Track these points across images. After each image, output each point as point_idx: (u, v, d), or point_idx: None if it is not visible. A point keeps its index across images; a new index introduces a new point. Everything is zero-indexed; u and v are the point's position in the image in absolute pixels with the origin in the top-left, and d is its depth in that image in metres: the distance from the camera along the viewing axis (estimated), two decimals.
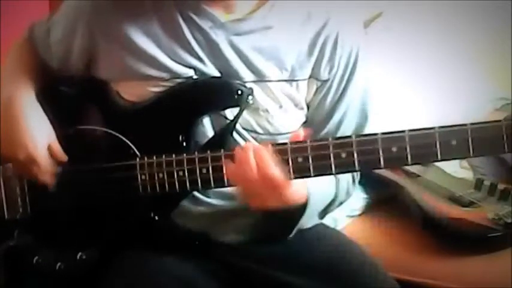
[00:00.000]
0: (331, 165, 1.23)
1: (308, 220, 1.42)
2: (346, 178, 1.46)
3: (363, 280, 1.41)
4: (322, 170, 1.24)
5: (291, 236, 1.43)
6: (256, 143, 1.37)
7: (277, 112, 1.41)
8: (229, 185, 1.31)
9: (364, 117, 1.47)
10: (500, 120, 1.14)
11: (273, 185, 1.24)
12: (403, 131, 1.20)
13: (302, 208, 1.34)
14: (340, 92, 1.43)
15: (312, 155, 1.24)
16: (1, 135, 1.43)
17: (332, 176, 1.41)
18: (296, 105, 1.43)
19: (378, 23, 2.26)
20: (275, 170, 1.23)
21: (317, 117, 1.45)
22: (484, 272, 1.68)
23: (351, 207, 1.90)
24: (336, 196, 1.45)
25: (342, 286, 1.40)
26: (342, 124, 1.45)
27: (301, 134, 1.29)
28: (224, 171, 1.29)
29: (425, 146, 1.18)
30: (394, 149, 1.20)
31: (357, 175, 1.50)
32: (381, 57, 2.12)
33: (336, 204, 1.48)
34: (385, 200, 1.97)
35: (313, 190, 1.33)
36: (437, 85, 2.17)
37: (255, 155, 1.24)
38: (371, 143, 1.21)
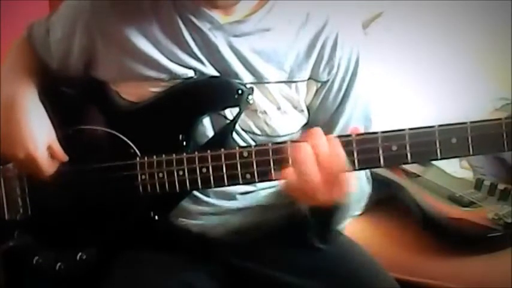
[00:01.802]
0: None
1: (343, 221, 1.42)
2: (363, 176, 1.46)
3: (363, 280, 1.41)
4: None
5: (332, 241, 1.43)
6: (253, 143, 1.38)
7: (275, 114, 1.41)
8: (231, 184, 1.31)
9: (368, 120, 1.47)
10: (500, 119, 1.14)
11: (340, 175, 1.20)
12: (403, 130, 1.20)
13: (342, 207, 1.32)
14: (342, 94, 1.43)
15: None
16: (2, 135, 1.43)
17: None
18: (295, 107, 1.43)
19: (377, 23, 2.26)
20: (345, 160, 1.20)
21: (320, 120, 1.45)
22: (484, 272, 1.68)
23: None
24: (361, 195, 1.45)
25: (342, 286, 1.39)
26: (348, 127, 1.43)
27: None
28: (301, 158, 1.21)
29: (426, 144, 1.18)
30: (394, 148, 1.20)
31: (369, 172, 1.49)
32: (381, 58, 2.13)
33: (361, 203, 1.47)
34: (385, 200, 1.97)
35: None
36: (437, 85, 2.17)
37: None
38: (371, 142, 1.21)
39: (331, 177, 1.19)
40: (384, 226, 1.89)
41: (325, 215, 1.34)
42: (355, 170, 1.23)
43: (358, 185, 1.40)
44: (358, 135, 1.23)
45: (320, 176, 1.19)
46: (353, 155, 1.22)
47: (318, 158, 1.19)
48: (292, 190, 1.24)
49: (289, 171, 1.21)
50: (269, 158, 1.27)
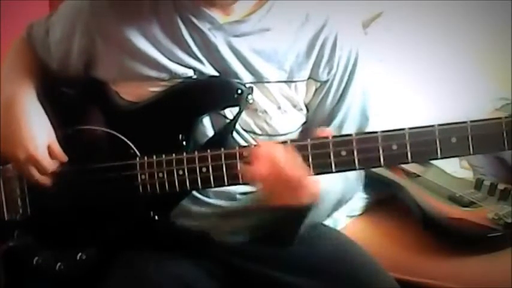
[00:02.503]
0: (331, 164, 1.23)
1: (314, 219, 1.41)
2: (353, 175, 1.46)
3: (363, 280, 1.41)
4: (322, 169, 1.25)
5: (296, 238, 1.42)
6: (253, 142, 1.38)
7: (275, 113, 1.41)
8: (229, 184, 1.31)
9: (365, 119, 1.47)
10: (500, 118, 1.14)
11: (290, 182, 1.23)
12: (403, 129, 1.20)
13: (309, 207, 1.33)
14: (340, 93, 1.43)
15: (312, 154, 1.24)
16: (1, 135, 1.43)
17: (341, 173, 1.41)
18: (295, 106, 1.43)
19: (377, 23, 2.26)
20: (293, 169, 1.23)
21: (318, 118, 1.45)
22: (484, 272, 1.67)
23: (351, 207, 1.90)
24: (344, 193, 1.45)
25: (342, 286, 1.40)
26: (343, 125, 1.45)
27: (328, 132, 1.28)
28: (239, 168, 1.29)
29: (426, 143, 1.18)
30: (394, 147, 1.20)
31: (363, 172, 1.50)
32: (381, 57, 2.13)
33: (344, 202, 1.48)
34: (385, 200, 1.97)
35: (324, 188, 1.32)
36: (437, 85, 2.17)
37: (272, 151, 1.24)
38: (371, 141, 1.21)
39: (289, 181, 1.23)
40: (384, 226, 1.89)
41: (295, 215, 1.35)
42: (355, 169, 1.24)
43: (342, 183, 1.41)
44: (358, 134, 1.23)
45: (279, 180, 1.23)
46: (353, 154, 1.22)
47: (274, 164, 1.23)
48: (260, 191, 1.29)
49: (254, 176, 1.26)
50: None
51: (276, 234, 1.43)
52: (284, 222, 1.38)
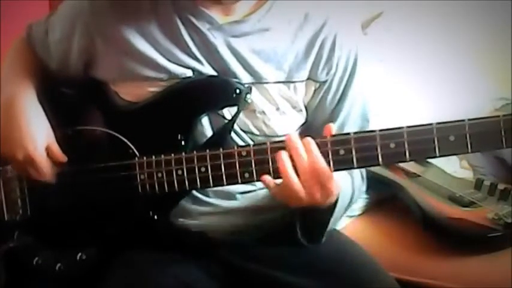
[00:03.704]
0: (329, 163, 1.23)
1: (336, 219, 1.41)
2: (357, 175, 1.46)
3: (363, 280, 1.41)
4: None
5: (323, 240, 1.42)
6: (251, 142, 1.39)
7: (274, 114, 1.41)
8: (228, 184, 1.31)
9: (365, 120, 1.47)
10: (498, 116, 1.14)
11: (320, 177, 1.23)
12: (401, 128, 1.20)
13: (333, 206, 1.33)
14: (340, 93, 1.43)
15: None
16: (1, 135, 1.43)
17: (347, 174, 1.41)
18: (294, 107, 1.43)
19: (377, 23, 2.26)
20: (323, 161, 1.23)
21: (318, 119, 1.45)
22: (484, 272, 1.67)
23: (351, 207, 1.89)
24: (353, 193, 1.45)
25: (342, 286, 1.39)
26: (345, 127, 1.45)
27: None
28: (280, 163, 1.24)
29: (424, 141, 1.18)
30: (392, 145, 1.20)
31: (364, 172, 1.50)
32: (381, 58, 2.12)
33: (352, 203, 1.48)
34: (385, 200, 1.97)
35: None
36: (437, 85, 2.17)
37: (303, 147, 1.23)
38: (369, 140, 1.21)
39: (312, 180, 1.22)
40: (384, 226, 1.89)
41: (313, 215, 1.35)
42: (353, 168, 1.24)
43: (350, 183, 1.41)
44: (356, 133, 1.23)
45: (301, 180, 1.22)
46: (351, 152, 1.22)
47: (297, 163, 1.22)
48: (275, 194, 1.28)
49: (269, 178, 1.26)
50: (267, 157, 1.28)
51: (306, 233, 1.42)
52: (311, 222, 1.38)
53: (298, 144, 1.23)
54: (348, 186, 1.42)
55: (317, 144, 1.24)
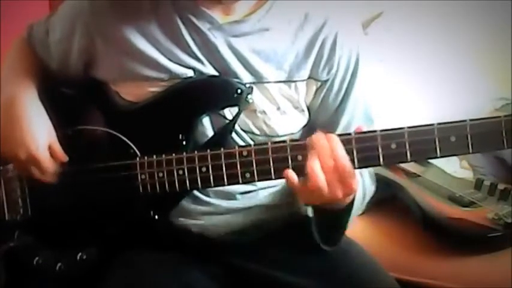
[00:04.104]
0: None
1: (350, 222, 1.40)
2: (367, 176, 1.46)
3: (363, 280, 1.41)
4: None
5: (339, 242, 1.42)
6: (252, 142, 1.39)
7: (274, 114, 1.41)
8: (229, 184, 1.31)
9: (369, 119, 1.47)
10: (499, 116, 1.14)
11: (344, 173, 1.21)
12: (402, 128, 1.20)
13: (350, 206, 1.33)
14: (342, 93, 1.43)
15: None
16: (2, 135, 1.43)
17: (357, 175, 1.40)
18: (296, 107, 1.43)
19: (377, 23, 2.27)
20: (346, 158, 1.22)
21: (320, 119, 1.45)
22: (484, 272, 1.68)
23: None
24: (364, 195, 1.45)
25: (342, 286, 1.39)
26: (350, 127, 1.44)
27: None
28: (308, 162, 1.22)
29: (425, 142, 1.18)
30: (393, 146, 1.20)
31: (373, 171, 1.49)
32: (381, 58, 2.13)
33: (365, 203, 1.47)
34: (385, 200, 1.97)
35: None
36: (437, 85, 2.17)
37: (331, 142, 1.22)
38: (370, 140, 1.21)
39: (335, 177, 1.21)
40: (384, 226, 1.89)
41: (332, 216, 1.34)
42: (355, 168, 1.24)
43: (361, 184, 1.41)
44: (357, 133, 1.23)
45: (326, 178, 1.21)
46: (352, 153, 1.22)
47: (322, 162, 1.21)
48: (297, 190, 1.25)
49: (293, 173, 1.23)
50: (269, 156, 1.27)
51: (324, 237, 1.42)
52: (331, 222, 1.37)
53: (325, 144, 1.22)
54: (360, 187, 1.42)
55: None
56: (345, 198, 1.26)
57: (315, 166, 1.21)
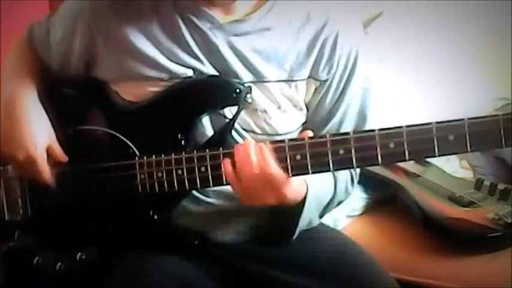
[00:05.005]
0: (329, 162, 1.23)
1: (308, 220, 1.41)
2: (344, 177, 1.46)
3: (363, 280, 1.41)
4: (320, 167, 1.24)
5: (294, 237, 1.42)
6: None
7: (275, 113, 1.41)
8: (227, 183, 1.30)
9: (363, 118, 1.47)
10: (497, 115, 1.13)
11: (272, 182, 1.24)
12: (400, 127, 1.19)
13: (301, 207, 1.34)
14: (339, 92, 1.43)
15: (310, 152, 1.24)
16: (1, 136, 1.43)
17: (330, 175, 1.41)
18: (295, 106, 1.43)
19: (377, 23, 2.27)
20: (274, 167, 1.24)
21: (317, 117, 1.45)
22: (484, 272, 1.68)
23: (351, 207, 1.90)
24: (334, 195, 1.45)
25: (342, 286, 1.39)
26: (342, 124, 1.45)
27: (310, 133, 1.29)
28: (223, 169, 1.29)
29: (423, 141, 1.18)
30: (391, 145, 1.20)
31: (356, 173, 1.50)
32: (381, 57, 2.13)
33: (334, 203, 1.48)
34: (385, 200, 1.97)
35: (311, 188, 1.33)
36: (437, 85, 2.17)
37: (255, 152, 1.24)
38: (369, 139, 1.21)
39: (266, 184, 1.24)
40: (384, 226, 1.89)
41: (281, 216, 1.37)
42: (352, 168, 1.24)
43: (332, 186, 1.42)
44: (355, 133, 1.23)
45: (253, 183, 1.24)
46: (351, 152, 1.22)
47: (242, 168, 1.25)
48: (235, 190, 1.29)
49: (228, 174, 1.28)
50: None
51: (274, 234, 1.43)
52: (279, 222, 1.39)
53: (247, 153, 1.25)
54: (327, 188, 1.43)
55: (313, 144, 1.24)
56: (279, 203, 1.28)
57: (229, 173, 1.27)
